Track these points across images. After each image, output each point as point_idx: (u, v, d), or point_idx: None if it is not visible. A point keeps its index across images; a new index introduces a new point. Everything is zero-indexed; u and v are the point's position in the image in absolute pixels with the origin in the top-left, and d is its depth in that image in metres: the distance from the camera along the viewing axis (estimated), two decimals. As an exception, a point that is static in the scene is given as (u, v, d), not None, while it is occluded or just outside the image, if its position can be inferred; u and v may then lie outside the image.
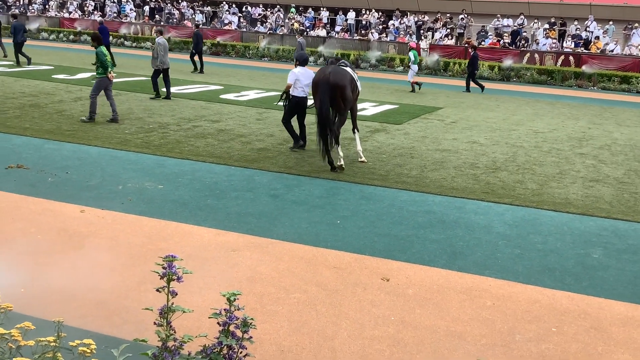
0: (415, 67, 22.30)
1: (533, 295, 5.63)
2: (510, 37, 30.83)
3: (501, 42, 30.68)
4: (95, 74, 12.96)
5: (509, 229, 7.50)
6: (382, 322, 4.93)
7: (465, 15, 32.53)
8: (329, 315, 5.00)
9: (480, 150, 12.10)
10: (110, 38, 34.55)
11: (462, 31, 32.00)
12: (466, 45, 27.43)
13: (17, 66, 21.44)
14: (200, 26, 29.85)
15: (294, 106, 11.17)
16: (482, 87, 22.80)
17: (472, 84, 22.93)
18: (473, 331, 4.88)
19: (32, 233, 6.41)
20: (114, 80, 13.04)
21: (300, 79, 11.03)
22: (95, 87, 12.71)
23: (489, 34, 31.55)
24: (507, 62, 28.02)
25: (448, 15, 33.09)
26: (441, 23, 32.69)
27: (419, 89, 21.96)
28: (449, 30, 32.07)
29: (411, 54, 22.46)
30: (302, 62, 11.36)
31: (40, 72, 20.59)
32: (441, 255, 6.47)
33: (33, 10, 40.62)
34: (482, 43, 30.90)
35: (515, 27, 31.35)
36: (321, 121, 9.70)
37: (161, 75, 16.40)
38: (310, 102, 10.94)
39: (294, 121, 11.42)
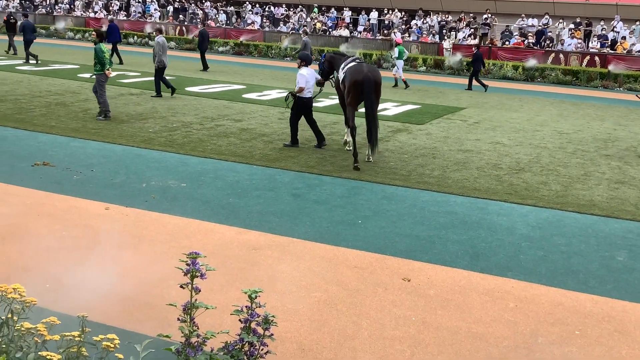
0: (400, 63, 22.56)
1: (556, 297, 5.57)
2: (534, 37, 30.50)
3: (525, 42, 30.38)
4: (93, 70, 13.08)
5: (533, 230, 7.43)
6: (403, 323, 4.92)
7: (489, 15, 32.26)
8: (350, 314, 5.00)
9: (503, 151, 12.00)
10: (135, 38, 35.06)
11: (486, 31, 31.74)
12: (474, 47, 27.03)
13: (26, 64, 21.92)
14: (206, 25, 30.17)
15: (301, 107, 11.22)
16: (486, 87, 22.57)
17: (474, 82, 22.82)
18: (495, 333, 4.85)
19: (57, 229, 6.51)
20: (111, 75, 13.24)
21: (309, 80, 11.16)
22: (98, 85, 12.89)
23: (513, 33, 31.25)
24: (531, 62, 27.72)
25: (471, 14, 32.85)
26: (464, 23, 32.47)
27: (405, 87, 22.02)
28: (472, 30, 31.83)
29: (396, 50, 22.71)
30: (308, 62, 11.45)
31: (66, 71, 20.87)
32: (463, 256, 6.44)
33: (59, 10, 41.20)
34: (506, 43, 30.62)
35: (540, 27, 31.02)
36: (372, 118, 10.17)
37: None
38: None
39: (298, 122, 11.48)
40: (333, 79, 11.84)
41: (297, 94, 11.06)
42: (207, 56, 24.73)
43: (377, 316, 5.00)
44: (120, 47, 25.47)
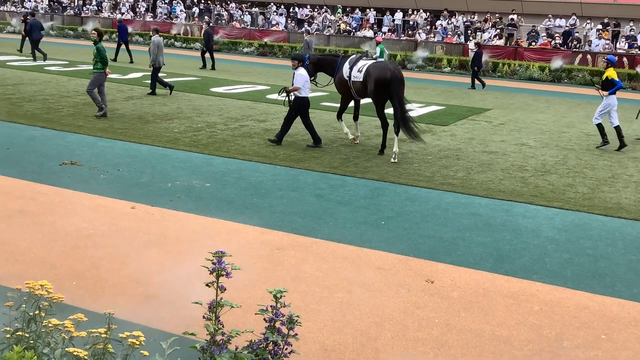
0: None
1: (582, 301, 5.51)
2: (562, 37, 30.13)
3: (552, 42, 30.02)
4: (92, 68, 13.21)
5: (558, 233, 7.34)
6: (426, 324, 4.90)
7: (516, 16, 31.95)
8: (373, 315, 5.00)
9: (529, 152, 11.87)
10: (163, 39, 35.43)
11: (512, 32, 31.44)
12: (475, 45, 26.78)
13: (33, 61, 22.43)
14: (211, 24, 30.57)
15: (301, 106, 11.22)
16: (484, 84, 22.84)
17: (476, 81, 23.07)
18: (519, 336, 4.80)
19: (84, 228, 6.61)
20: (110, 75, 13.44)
21: (308, 79, 11.28)
22: (92, 82, 13.06)
23: (540, 34, 30.90)
24: (557, 63, 27.36)
25: (497, 15, 32.57)
26: (490, 23, 32.20)
27: None
28: (498, 30, 31.55)
29: (378, 49, 22.95)
30: (304, 62, 11.45)
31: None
32: (487, 259, 6.39)
33: (87, 12, 41.78)
34: (533, 44, 30.30)
35: (567, 28, 30.63)
36: (405, 111, 10.93)
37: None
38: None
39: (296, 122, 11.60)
40: (316, 79, 12.17)
41: (296, 94, 11.10)
42: (232, 57, 24.89)
43: (400, 317, 4.99)
44: (144, 48, 25.76)
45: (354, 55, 12.00)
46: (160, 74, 16.93)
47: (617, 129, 12.52)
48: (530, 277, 5.97)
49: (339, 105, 12.11)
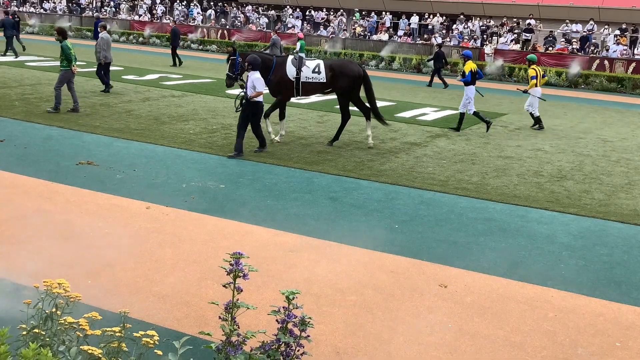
0: (302, 55, 23.11)
1: (597, 308, 5.46)
2: (579, 43, 29.91)
3: (569, 48, 29.81)
4: (60, 66, 13.43)
5: (574, 239, 7.29)
6: (439, 329, 4.89)
7: (533, 20, 31.77)
8: (385, 319, 4.99)
9: (545, 158, 11.80)
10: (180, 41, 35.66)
11: (528, 36, 31.26)
12: (436, 46, 27.09)
13: (2, 56, 23.64)
14: (177, 23, 32.54)
15: (256, 112, 10.39)
16: (445, 84, 23.49)
17: (436, 80, 23.93)
18: (533, 342, 4.77)
19: (99, 227, 6.66)
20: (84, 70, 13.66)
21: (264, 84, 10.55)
22: (59, 80, 13.32)
23: (557, 39, 30.69)
24: (574, 68, 27.14)
25: (514, 19, 32.41)
26: (507, 28, 32.04)
27: None
28: (515, 35, 31.38)
29: (298, 44, 24.52)
30: (257, 66, 10.41)
31: (111, 72, 21.30)
32: (501, 264, 6.35)
33: (105, 13, 42.14)
34: (550, 49, 30.10)
35: (584, 33, 30.39)
36: (377, 109, 11.73)
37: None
38: None
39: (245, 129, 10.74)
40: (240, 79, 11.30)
41: (253, 99, 10.18)
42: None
43: (413, 322, 4.98)
44: (162, 50, 26.01)
45: (291, 56, 11.74)
46: (176, 74, 16.99)
47: (476, 114, 14.30)
48: (545, 283, 5.93)
49: (275, 106, 11.80)
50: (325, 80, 11.43)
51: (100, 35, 17.27)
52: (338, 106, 12.09)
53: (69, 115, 13.06)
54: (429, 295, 5.51)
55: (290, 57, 11.65)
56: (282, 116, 11.94)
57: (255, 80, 10.18)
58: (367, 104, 11.72)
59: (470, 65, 14.25)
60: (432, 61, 24.59)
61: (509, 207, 8.43)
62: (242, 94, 10.41)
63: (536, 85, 15.10)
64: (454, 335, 4.80)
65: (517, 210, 8.32)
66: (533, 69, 15.17)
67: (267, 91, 10.94)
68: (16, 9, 38.02)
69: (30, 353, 2.57)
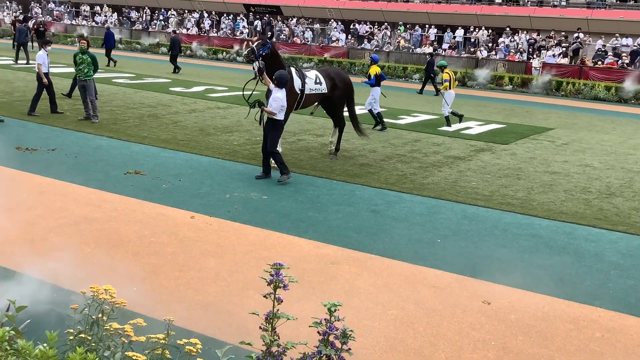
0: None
1: (647, 330, 5.28)
2: (629, 57, 29.18)
3: (619, 62, 29.11)
4: (85, 76, 13.71)
5: (623, 258, 7.08)
6: (481, 347, 4.81)
7: (582, 34, 31.17)
8: (427, 335, 4.94)
9: (593, 174, 11.52)
10: (224, 53, 36.27)
11: (577, 50, 30.66)
12: (427, 55, 27.89)
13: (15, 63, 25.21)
14: (177, 32, 34.13)
15: (275, 127, 9.68)
16: (437, 91, 23.76)
17: (427, 87, 24.95)
18: (579, 363, 4.64)
19: (145, 235, 6.80)
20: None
21: (285, 105, 9.72)
22: (93, 89, 13.72)
23: (607, 53, 30.02)
24: (628, 84, 26.43)
25: (562, 33, 31.86)
26: (555, 41, 31.51)
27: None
28: (563, 49, 30.83)
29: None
30: (284, 84, 9.61)
31: (159, 84, 21.82)
32: (547, 282, 6.22)
33: (154, 27, 43.18)
34: (599, 63, 29.46)
35: (635, 47, 29.65)
36: (357, 118, 11.99)
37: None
38: None
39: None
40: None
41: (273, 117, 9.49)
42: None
43: (455, 338, 4.91)
44: (209, 63, 26.62)
45: (293, 68, 10.98)
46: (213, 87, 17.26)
47: (379, 114, 15.34)
48: (592, 302, 5.78)
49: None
50: (326, 91, 11.05)
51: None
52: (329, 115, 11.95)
53: (118, 125, 13.40)
54: (471, 311, 5.43)
55: (294, 69, 10.92)
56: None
57: (275, 99, 9.39)
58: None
59: (375, 69, 15.46)
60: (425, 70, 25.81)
61: (556, 224, 8.26)
62: (253, 102, 9.80)
63: (449, 88, 16.28)
64: (497, 354, 4.71)
65: (564, 227, 8.13)
66: (447, 73, 16.37)
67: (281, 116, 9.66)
68: (42, 19, 39.80)
69: (77, 357, 2.63)
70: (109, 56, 27.33)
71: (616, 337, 5.12)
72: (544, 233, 7.84)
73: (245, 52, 10.74)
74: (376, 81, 15.36)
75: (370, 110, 15.38)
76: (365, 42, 35.85)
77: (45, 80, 13.98)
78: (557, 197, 9.63)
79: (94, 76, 13.98)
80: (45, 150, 10.62)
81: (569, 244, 7.48)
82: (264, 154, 9.72)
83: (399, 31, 36.00)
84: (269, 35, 11.30)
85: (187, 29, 41.43)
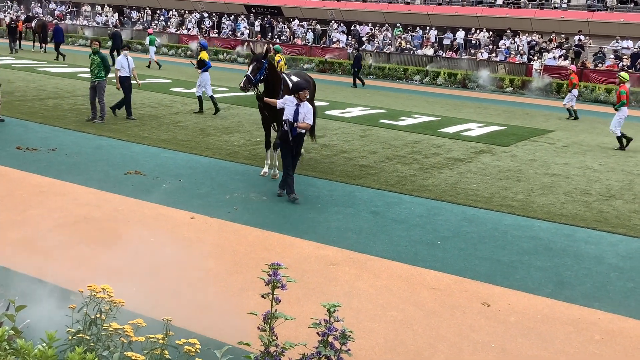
0: (152, 49, 28.67)
1: (647, 332, 5.28)
2: (629, 59, 29.19)
3: (620, 64, 29.11)
4: (95, 77, 13.58)
5: (622, 260, 7.08)
6: (481, 348, 4.80)
7: (582, 36, 31.17)
8: (426, 336, 4.93)
9: (593, 176, 11.52)
10: (225, 54, 36.29)
11: (578, 52, 30.65)
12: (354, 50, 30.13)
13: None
14: (118, 28, 36.18)
15: (300, 143, 9.04)
16: (363, 83, 26.48)
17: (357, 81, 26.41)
18: (578, 365, 4.64)
19: (145, 236, 6.79)
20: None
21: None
22: (102, 90, 13.64)
23: (607, 55, 30.02)
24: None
25: (563, 35, 31.86)
26: (555, 44, 31.51)
27: (159, 67, 27.28)
28: (563, 51, 30.84)
29: (148, 39, 28.74)
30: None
31: (159, 85, 21.82)
32: (547, 284, 6.21)
33: (155, 27, 43.20)
34: (599, 65, 29.47)
35: (635, 50, 29.66)
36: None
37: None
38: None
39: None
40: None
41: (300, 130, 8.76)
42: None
43: (455, 340, 4.91)
44: (213, 63, 26.70)
45: (283, 75, 10.06)
46: (211, 89, 17.31)
47: (212, 97, 16.22)
48: (591, 304, 5.77)
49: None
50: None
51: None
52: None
53: (118, 125, 13.40)
54: (471, 313, 5.42)
55: (284, 76, 10.02)
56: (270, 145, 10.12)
57: (308, 110, 8.69)
58: None
59: (205, 55, 16.55)
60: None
61: (555, 226, 8.25)
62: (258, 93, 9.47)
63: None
64: (497, 356, 4.71)
65: (564, 229, 8.13)
66: (279, 57, 17.53)
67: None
68: (16, 16, 41.13)
69: (76, 357, 2.63)
70: (57, 50, 28.64)
71: (615, 339, 5.11)
72: (543, 235, 7.83)
73: (241, 85, 9.38)
74: (201, 66, 16.24)
75: (200, 96, 16.21)
76: (366, 43, 35.84)
77: (118, 85, 14.21)
78: (557, 199, 9.63)
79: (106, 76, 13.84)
80: (45, 150, 10.62)
81: (568, 246, 7.47)
82: (290, 174, 8.76)
83: (396, 33, 35.89)
84: (262, 54, 9.65)
85: (188, 30, 41.42)
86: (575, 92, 20.08)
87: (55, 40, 29.04)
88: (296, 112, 8.60)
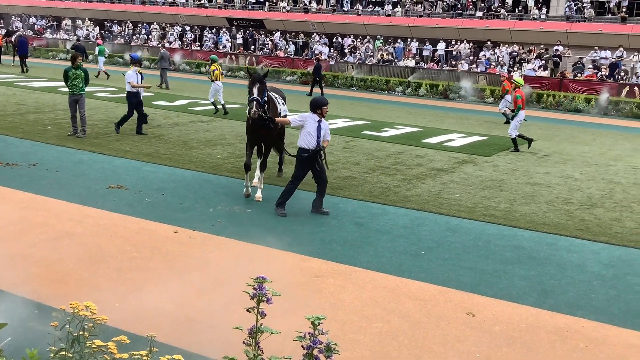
0: (101, 59, 29.20)
1: (629, 339, 5.33)
2: (608, 69, 29.65)
3: (599, 74, 29.56)
4: (80, 90, 13.51)
5: (605, 268, 7.15)
6: (466, 358, 4.81)
7: (561, 47, 31.62)
8: (412, 347, 4.93)
9: (574, 185, 11.64)
10: (207, 67, 36.24)
11: (557, 62, 31.06)
12: (314, 59, 29.95)
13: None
14: (80, 40, 37.02)
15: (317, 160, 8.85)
16: (322, 92, 26.05)
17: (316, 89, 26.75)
18: (563, 374, 4.66)
19: (128, 250, 6.73)
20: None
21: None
22: (85, 104, 13.68)
23: (586, 66, 30.46)
24: (604, 96, 26.85)
25: (542, 46, 32.29)
26: (535, 54, 31.92)
27: (98, 75, 27.71)
28: (543, 61, 31.24)
29: (97, 49, 29.81)
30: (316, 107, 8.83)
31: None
32: (530, 293, 6.25)
33: (137, 40, 43.08)
34: (578, 75, 29.88)
35: (613, 60, 30.14)
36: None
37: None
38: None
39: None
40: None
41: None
42: (280, 86, 25.23)
43: (440, 350, 4.91)
44: (192, 76, 26.68)
45: (270, 93, 9.58)
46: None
47: (214, 103, 18.26)
48: (575, 313, 5.82)
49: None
50: (287, 110, 10.08)
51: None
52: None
53: (100, 139, 13.31)
54: (456, 323, 5.43)
55: (271, 94, 9.72)
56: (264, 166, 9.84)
57: (326, 128, 8.79)
58: None
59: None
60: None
61: (538, 235, 8.32)
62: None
63: (217, 79, 18.71)
64: (482, 365, 4.71)
65: (546, 238, 8.20)
66: (215, 66, 18.94)
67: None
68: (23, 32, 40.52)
69: (58, 375, 2.59)
70: (22, 63, 29.14)
71: (599, 347, 5.15)
72: (526, 244, 7.89)
73: (254, 111, 8.72)
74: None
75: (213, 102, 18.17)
76: (348, 55, 36.03)
77: (147, 85, 14.72)
78: (539, 208, 9.71)
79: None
80: (26, 165, 10.51)
81: (551, 255, 7.53)
82: (323, 192, 8.79)
83: (376, 44, 36.09)
84: (263, 74, 9.21)
85: (170, 43, 41.37)
86: (508, 97, 20.34)
87: (20, 53, 29.45)
88: (319, 129, 8.61)
